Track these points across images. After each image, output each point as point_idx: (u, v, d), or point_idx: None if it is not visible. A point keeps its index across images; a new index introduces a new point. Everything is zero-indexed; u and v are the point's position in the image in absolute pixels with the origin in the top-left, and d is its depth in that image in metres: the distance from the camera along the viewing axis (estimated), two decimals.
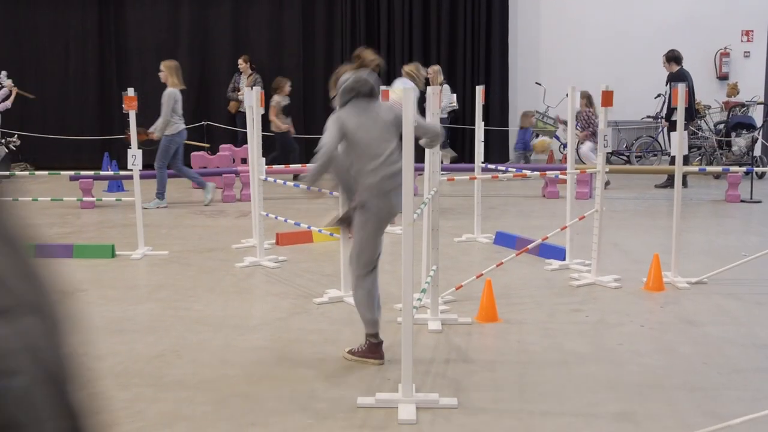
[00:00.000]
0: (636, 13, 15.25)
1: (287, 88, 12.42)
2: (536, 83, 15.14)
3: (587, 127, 11.98)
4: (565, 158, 8.59)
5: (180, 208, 10.37)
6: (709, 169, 11.54)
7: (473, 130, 8.13)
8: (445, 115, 13.80)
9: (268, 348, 4.74)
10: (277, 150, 12.27)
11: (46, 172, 8.90)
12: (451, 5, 15.10)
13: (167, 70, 10.13)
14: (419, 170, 6.81)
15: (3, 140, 13.07)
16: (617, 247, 7.53)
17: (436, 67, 13.52)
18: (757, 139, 12.91)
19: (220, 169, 11.74)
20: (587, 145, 12.00)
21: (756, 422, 3.43)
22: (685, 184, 11.83)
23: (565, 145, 13.91)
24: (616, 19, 15.26)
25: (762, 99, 14.35)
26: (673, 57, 12.09)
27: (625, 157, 14.31)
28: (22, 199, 8.69)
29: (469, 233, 8.05)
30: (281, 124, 12.17)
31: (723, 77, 15.17)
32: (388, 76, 15.08)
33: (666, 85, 12.29)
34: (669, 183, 12.24)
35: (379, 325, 4.45)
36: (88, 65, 15.60)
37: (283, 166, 9.19)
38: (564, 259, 6.77)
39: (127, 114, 7.29)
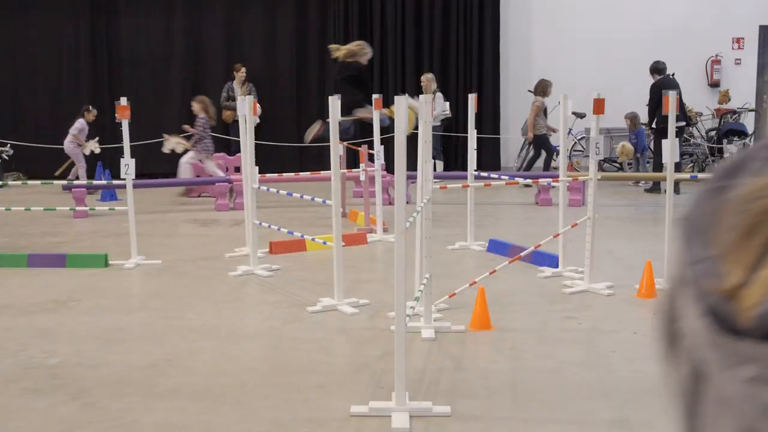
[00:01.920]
0: (627, 21, 15.32)
1: (550, 90, 12.40)
2: (528, 91, 15.17)
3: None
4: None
5: (173, 217, 10.36)
6: (701, 176, 11.58)
7: (466, 138, 8.15)
8: (438, 123, 13.83)
9: (261, 357, 4.73)
10: (533, 152, 12.54)
11: (38, 182, 8.89)
12: (444, 14, 15.16)
13: None
14: (412, 178, 6.82)
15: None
16: (610, 254, 7.55)
17: (429, 75, 13.57)
18: (749, 146, 12.97)
19: (213, 178, 11.73)
20: (187, 156, 11.56)
21: None
22: (677, 191, 11.90)
23: (558, 153, 13.95)
24: (607, 27, 15.33)
25: (753, 106, 14.42)
26: (653, 69, 12.48)
27: (617, 165, 14.35)
28: (15, 209, 8.70)
29: (462, 241, 8.06)
30: (532, 131, 12.16)
31: (714, 84, 15.24)
32: (381, 84, 15.15)
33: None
34: (655, 187, 12.34)
35: None
36: (80, 74, 15.60)
37: (276, 174, 9.20)
38: (557, 267, 6.79)
39: (120, 123, 7.30)
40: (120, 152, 7.46)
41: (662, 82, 12.25)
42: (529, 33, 15.66)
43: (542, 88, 12.43)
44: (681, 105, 12.02)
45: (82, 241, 8.66)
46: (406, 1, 15.11)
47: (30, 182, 9.48)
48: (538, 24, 15.63)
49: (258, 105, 7.13)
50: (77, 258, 7.31)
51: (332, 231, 5.74)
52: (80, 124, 12.93)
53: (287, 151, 15.25)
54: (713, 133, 13.89)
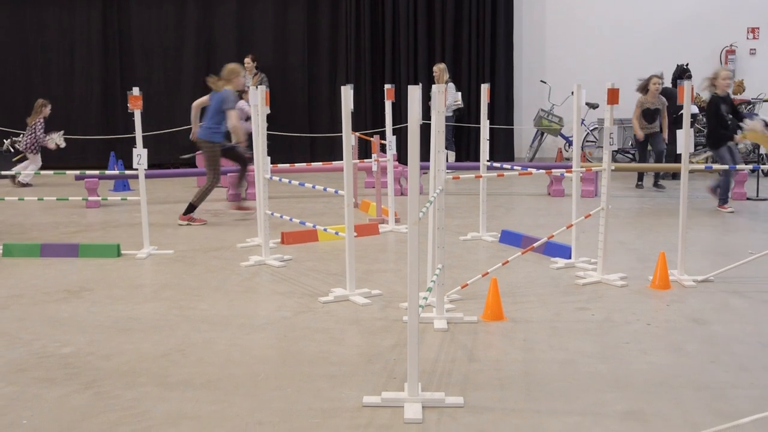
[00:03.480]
0: (641, 11, 15.22)
1: (654, 87, 11.43)
2: (541, 81, 15.11)
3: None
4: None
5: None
6: (715, 167, 11.50)
7: (478, 129, 8.12)
8: (450, 114, 13.80)
9: (273, 347, 4.73)
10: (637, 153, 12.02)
11: (51, 172, 8.90)
12: (456, 4, 15.09)
13: None
14: (424, 169, 6.80)
15: (8, 140, 13.10)
16: (623, 246, 7.51)
17: (442, 66, 13.53)
18: None
19: (224, 168, 11.73)
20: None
21: (764, 421, 3.41)
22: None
23: (570, 143, 13.92)
24: (621, 17, 15.24)
25: None
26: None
27: (630, 155, 14.28)
28: (28, 199, 8.73)
29: (475, 232, 8.04)
30: (638, 130, 11.50)
31: None
32: (393, 75, 15.12)
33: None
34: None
35: None
36: (93, 65, 15.63)
37: (288, 165, 9.19)
38: (570, 258, 6.76)
39: (132, 113, 7.30)
40: (132, 142, 7.47)
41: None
42: (542, 22, 15.57)
43: (645, 85, 11.52)
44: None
45: (94, 231, 8.68)
46: None
47: (43, 172, 9.50)
48: (552, 13, 15.54)
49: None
50: (90, 248, 7.33)
51: (344, 221, 5.73)
52: (242, 103, 13.37)
53: (299, 141, 15.25)
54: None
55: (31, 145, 12.50)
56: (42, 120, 12.54)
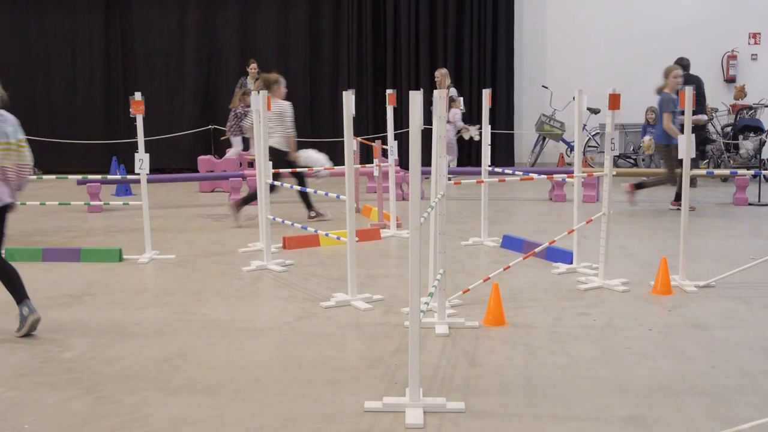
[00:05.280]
0: (642, 16, 15.23)
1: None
2: (543, 86, 15.12)
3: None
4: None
5: (187, 212, 10.38)
6: (717, 172, 11.50)
7: (480, 134, 8.12)
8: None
9: (275, 352, 4.73)
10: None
11: (53, 176, 8.91)
12: (458, 9, 15.12)
13: None
14: (425, 174, 6.78)
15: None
16: (625, 251, 7.51)
17: (444, 71, 13.54)
18: (765, 141, 12.88)
19: (226, 173, 11.76)
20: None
21: (766, 426, 3.41)
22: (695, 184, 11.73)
23: (572, 148, 13.92)
24: (622, 22, 15.25)
25: None
26: (678, 65, 12.46)
27: (632, 160, 14.28)
28: (30, 203, 8.73)
29: (476, 237, 8.04)
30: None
31: (730, 80, 15.14)
32: (394, 80, 15.13)
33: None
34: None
35: None
36: (95, 69, 15.67)
37: (290, 169, 9.18)
38: (571, 263, 6.76)
39: (134, 118, 7.31)
40: (134, 147, 7.48)
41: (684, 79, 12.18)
42: (543, 28, 15.59)
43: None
44: (700, 99, 11.94)
45: (96, 235, 8.69)
46: None
47: (45, 177, 9.50)
48: (553, 18, 15.56)
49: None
50: (92, 252, 7.33)
51: (346, 226, 5.73)
52: (454, 113, 13.43)
53: (300, 146, 15.25)
54: (729, 128, 13.79)
55: (232, 128, 12.84)
56: (242, 107, 12.60)
